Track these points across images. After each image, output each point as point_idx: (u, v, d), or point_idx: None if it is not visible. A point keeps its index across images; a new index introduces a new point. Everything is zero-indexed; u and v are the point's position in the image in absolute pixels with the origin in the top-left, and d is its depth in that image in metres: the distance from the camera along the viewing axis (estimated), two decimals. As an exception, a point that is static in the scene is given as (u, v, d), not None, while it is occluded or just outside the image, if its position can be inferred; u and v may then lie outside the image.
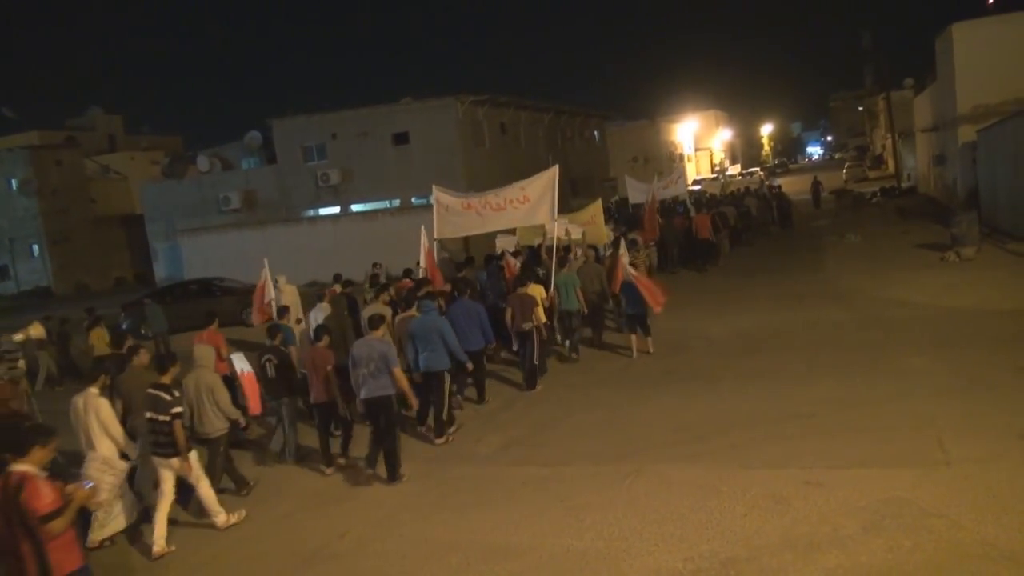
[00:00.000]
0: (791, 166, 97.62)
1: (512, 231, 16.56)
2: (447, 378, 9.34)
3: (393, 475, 8.19)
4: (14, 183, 39.22)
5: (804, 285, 16.71)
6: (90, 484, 5.42)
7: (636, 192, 23.85)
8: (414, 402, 8.82)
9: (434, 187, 14.18)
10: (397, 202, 30.91)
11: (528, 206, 13.17)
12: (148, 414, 7.24)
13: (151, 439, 7.36)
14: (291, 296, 14.13)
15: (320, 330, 9.29)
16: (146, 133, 62.73)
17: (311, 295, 17.19)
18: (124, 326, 20.69)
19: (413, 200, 30.55)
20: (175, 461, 7.21)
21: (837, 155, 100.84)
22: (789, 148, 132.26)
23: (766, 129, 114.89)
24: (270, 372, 9.21)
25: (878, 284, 15.66)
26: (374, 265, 15.44)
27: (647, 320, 12.21)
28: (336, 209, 31.76)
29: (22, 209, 39.19)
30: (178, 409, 7.20)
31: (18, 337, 11.41)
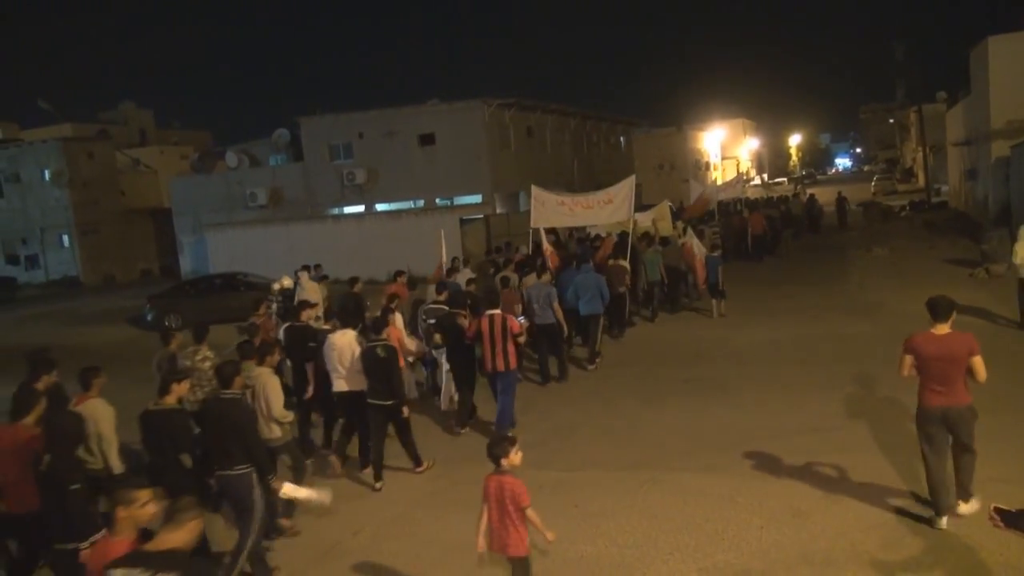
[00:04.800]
0: (819, 177, 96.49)
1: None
2: (601, 320, 12.56)
3: (562, 376, 11.55)
4: (47, 174, 39.78)
5: (829, 297, 16.56)
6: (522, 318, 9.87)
7: (697, 192, 32.57)
8: (565, 330, 11.94)
9: (532, 187, 16.37)
10: (422, 203, 30.99)
11: (611, 207, 15.49)
12: (431, 321, 10.18)
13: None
14: (314, 293, 14.29)
15: (506, 280, 11.96)
16: (176, 128, 63.51)
17: (333, 292, 17.34)
18: (149, 317, 21.02)
19: (438, 201, 30.60)
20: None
21: (866, 168, 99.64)
22: (817, 159, 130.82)
23: (794, 139, 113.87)
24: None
25: (904, 298, 15.42)
26: (507, 244, 18.91)
27: (719, 287, 15.32)
28: (361, 208, 31.89)
29: (53, 200, 39.76)
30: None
31: (275, 287, 15.88)
